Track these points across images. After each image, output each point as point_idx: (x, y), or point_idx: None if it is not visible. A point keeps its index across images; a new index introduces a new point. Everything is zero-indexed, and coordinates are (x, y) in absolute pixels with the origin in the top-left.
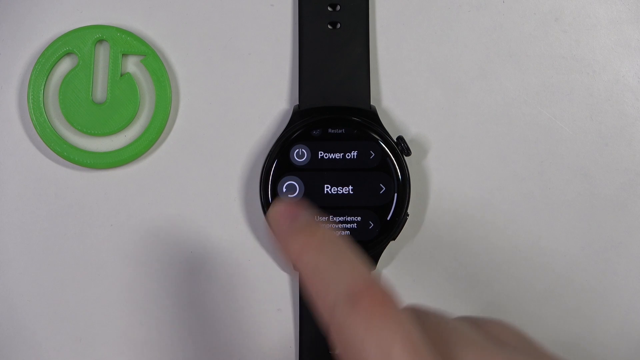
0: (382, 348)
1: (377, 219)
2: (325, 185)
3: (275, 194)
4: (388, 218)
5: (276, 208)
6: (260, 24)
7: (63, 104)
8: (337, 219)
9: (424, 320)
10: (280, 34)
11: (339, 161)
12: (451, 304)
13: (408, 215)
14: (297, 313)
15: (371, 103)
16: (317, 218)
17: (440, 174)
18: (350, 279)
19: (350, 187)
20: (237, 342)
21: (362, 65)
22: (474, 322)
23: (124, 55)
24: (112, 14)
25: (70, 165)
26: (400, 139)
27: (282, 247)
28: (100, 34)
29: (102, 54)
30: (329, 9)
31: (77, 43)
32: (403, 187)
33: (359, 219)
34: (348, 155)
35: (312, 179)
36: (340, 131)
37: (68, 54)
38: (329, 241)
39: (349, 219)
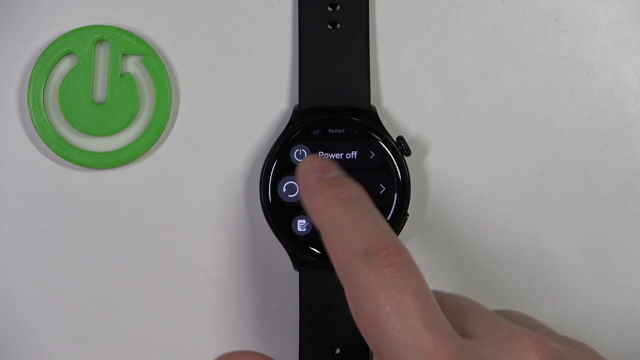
0: (392, 301)
1: None
2: None
3: (275, 194)
4: (388, 218)
5: (308, 161)
6: (260, 24)
7: (63, 104)
8: None
9: (438, 297)
10: (280, 34)
11: (339, 161)
12: None
13: (408, 215)
14: (297, 313)
15: (371, 103)
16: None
17: (440, 174)
18: (370, 236)
19: None
20: (237, 342)
21: (362, 65)
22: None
23: (124, 55)
24: (112, 14)
25: (70, 165)
26: (400, 139)
27: (307, 201)
28: (100, 34)
29: (102, 54)
30: (329, 9)
31: (77, 43)
32: (403, 187)
33: None
34: (348, 156)
35: None
36: (340, 131)
37: (68, 54)
38: (355, 198)
39: None
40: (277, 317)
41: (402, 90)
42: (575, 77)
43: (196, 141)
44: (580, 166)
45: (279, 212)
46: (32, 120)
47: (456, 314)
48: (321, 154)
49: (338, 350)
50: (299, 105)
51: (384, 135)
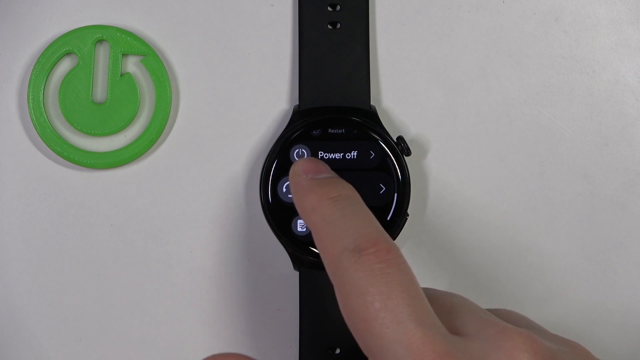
0: (381, 297)
1: (377, 219)
2: None
3: (275, 194)
4: (388, 218)
5: (300, 163)
6: (260, 24)
7: (63, 104)
8: None
9: (430, 295)
10: (280, 34)
11: (339, 161)
12: None
13: (408, 215)
14: (297, 313)
15: (371, 103)
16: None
17: (440, 174)
18: (359, 233)
19: None
20: (237, 342)
21: (362, 65)
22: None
23: (124, 55)
24: (112, 14)
25: (70, 165)
26: (400, 139)
27: (298, 201)
28: (100, 34)
29: (102, 54)
30: (329, 9)
31: (77, 43)
32: (403, 187)
33: None
34: (348, 155)
35: None
36: (340, 131)
37: (68, 54)
38: (345, 197)
39: None
40: (277, 317)
41: (402, 90)
42: (575, 77)
43: (196, 141)
44: (580, 166)
45: (279, 212)
46: (32, 120)
47: (447, 311)
48: (321, 154)
49: (338, 350)
50: (299, 105)
51: (384, 135)
